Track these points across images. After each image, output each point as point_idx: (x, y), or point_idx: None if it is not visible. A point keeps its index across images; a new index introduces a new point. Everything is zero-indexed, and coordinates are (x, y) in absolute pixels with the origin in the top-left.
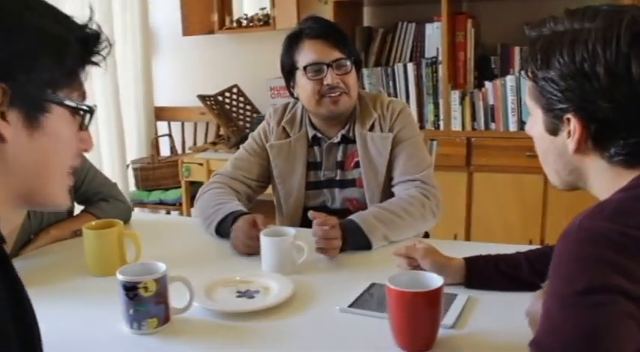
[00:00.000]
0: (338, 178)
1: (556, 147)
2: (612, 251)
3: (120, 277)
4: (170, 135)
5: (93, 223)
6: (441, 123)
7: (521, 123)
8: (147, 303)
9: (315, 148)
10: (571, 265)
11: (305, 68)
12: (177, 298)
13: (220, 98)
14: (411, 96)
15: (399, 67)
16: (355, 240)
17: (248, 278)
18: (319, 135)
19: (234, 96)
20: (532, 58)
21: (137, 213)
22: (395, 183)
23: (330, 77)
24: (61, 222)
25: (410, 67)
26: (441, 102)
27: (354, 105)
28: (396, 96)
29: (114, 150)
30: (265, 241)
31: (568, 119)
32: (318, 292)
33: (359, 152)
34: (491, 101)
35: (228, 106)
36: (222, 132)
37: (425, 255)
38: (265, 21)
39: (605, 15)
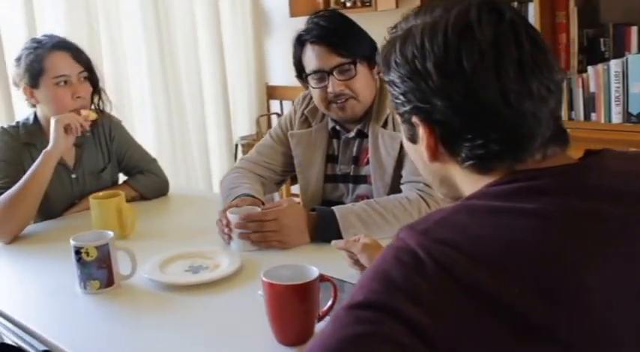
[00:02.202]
0: (352, 173)
1: (420, 156)
2: (409, 269)
3: (71, 241)
4: (279, 114)
5: (100, 194)
6: None
7: (627, 115)
8: (89, 266)
9: (335, 141)
10: (367, 274)
11: (309, 75)
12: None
13: None
14: None
15: None
16: (328, 232)
17: (209, 254)
18: (338, 127)
19: None
20: (381, 63)
21: None
22: (402, 183)
23: (332, 85)
24: (103, 190)
25: None
26: None
27: (365, 107)
28: None
29: (220, 127)
30: (228, 217)
31: (416, 123)
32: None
33: (370, 149)
34: (592, 88)
35: None
36: None
37: (362, 250)
38: (367, 2)
39: (443, 6)
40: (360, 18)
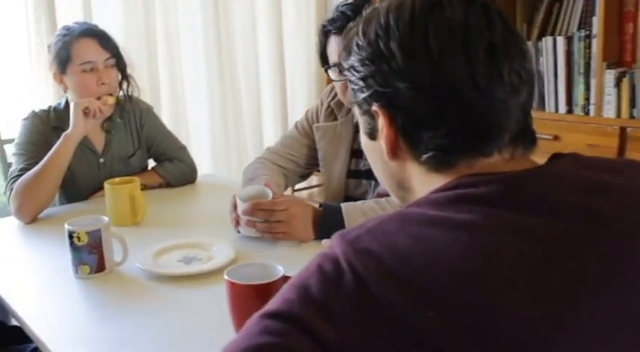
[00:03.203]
0: (367, 168)
1: (379, 156)
2: (327, 280)
3: (65, 226)
4: None
5: (116, 180)
6: (592, 108)
7: None
8: (80, 251)
9: (359, 135)
10: (290, 282)
11: (331, 68)
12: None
13: None
14: (560, 75)
15: (547, 41)
16: (333, 229)
17: (207, 246)
18: None
19: None
20: (342, 49)
21: None
22: None
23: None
24: (130, 175)
25: (560, 41)
26: (592, 83)
27: None
28: (540, 74)
29: (277, 120)
30: (237, 203)
31: (376, 112)
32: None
33: None
34: None
35: None
36: None
37: None
38: None
39: None
40: None
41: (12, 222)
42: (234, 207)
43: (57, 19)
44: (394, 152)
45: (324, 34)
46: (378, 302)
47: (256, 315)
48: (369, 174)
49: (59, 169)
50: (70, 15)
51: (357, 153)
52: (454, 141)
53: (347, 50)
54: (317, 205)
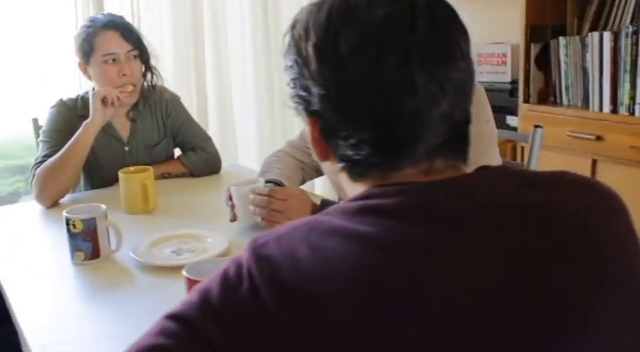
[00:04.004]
0: None
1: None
2: (227, 286)
3: (63, 213)
4: None
5: (131, 168)
6: (637, 107)
7: None
8: (76, 238)
9: None
10: (200, 284)
11: None
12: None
13: None
14: (605, 73)
15: (593, 36)
16: None
17: (203, 237)
18: None
19: None
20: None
21: None
22: None
23: None
24: (154, 164)
25: (606, 36)
26: (639, 81)
27: None
28: (585, 71)
29: None
30: (231, 191)
31: (302, 114)
32: None
33: None
34: None
35: None
36: None
37: None
38: None
39: None
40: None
41: (35, 206)
42: (230, 197)
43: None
44: (324, 154)
45: None
46: (266, 312)
47: (163, 315)
48: None
49: (79, 157)
50: (116, 8)
51: None
52: (362, 155)
53: (285, 49)
54: (318, 201)
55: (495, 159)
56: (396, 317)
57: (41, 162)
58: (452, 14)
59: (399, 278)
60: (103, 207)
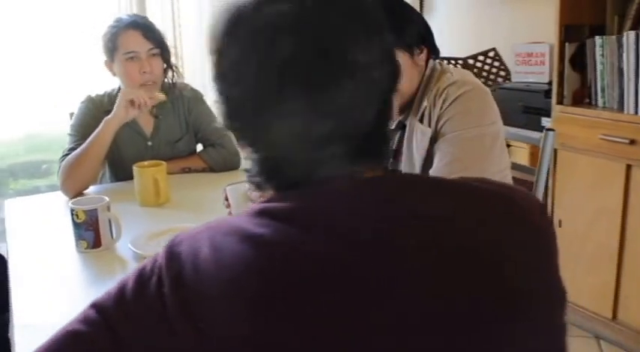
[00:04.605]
0: (390, 168)
1: None
2: (139, 281)
3: (69, 203)
4: None
5: (145, 163)
6: None
7: None
8: (79, 228)
9: None
10: (128, 273)
11: None
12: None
13: (471, 61)
14: None
15: (629, 36)
16: None
17: None
18: None
19: (489, 61)
20: None
21: None
22: None
23: None
24: (175, 158)
25: None
26: None
27: (403, 96)
28: (622, 72)
29: None
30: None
31: None
32: None
33: (404, 143)
34: None
35: (477, 70)
36: None
37: None
38: None
39: None
40: None
41: (59, 196)
42: (226, 198)
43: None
44: None
45: None
46: (165, 307)
47: (89, 303)
48: None
49: (99, 151)
50: (157, 8)
51: None
52: (258, 168)
53: None
54: None
55: (500, 160)
56: (276, 321)
57: (66, 154)
58: (349, 17)
59: (283, 280)
60: (106, 199)
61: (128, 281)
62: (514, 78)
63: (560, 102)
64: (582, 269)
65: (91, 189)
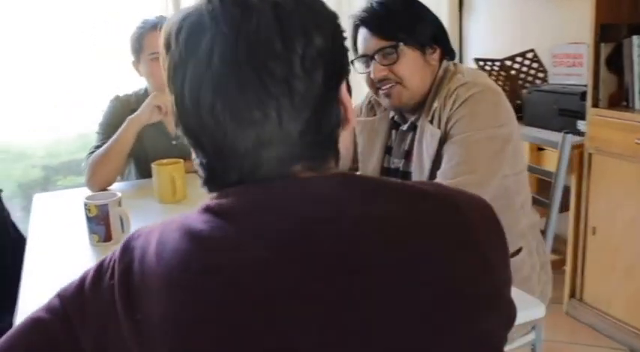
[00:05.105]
0: (401, 169)
1: None
2: (95, 274)
3: (83, 198)
4: None
5: (164, 161)
6: None
7: None
8: (92, 222)
9: (394, 132)
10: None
11: (355, 60)
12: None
13: (509, 63)
14: None
15: None
16: None
17: None
18: (396, 118)
19: (527, 62)
20: None
21: None
22: None
23: (373, 70)
24: None
25: None
26: None
27: (414, 95)
28: None
29: None
30: None
31: None
32: None
33: (415, 144)
34: None
35: (514, 72)
36: None
37: None
38: None
39: None
40: None
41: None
42: None
43: None
44: None
45: (354, 26)
46: (113, 299)
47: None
48: (396, 173)
49: (122, 149)
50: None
51: (389, 150)
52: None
53: None
54: None
55: (515, 163)
56: (200, 319)
57: (92, 152)
58: (262, 29)
59: (213, 276)
60: (118, 194)
61: (89, 272)
62: (551, 80)
63: (595, 104)
64: (616, 279)
65: (116, 185)
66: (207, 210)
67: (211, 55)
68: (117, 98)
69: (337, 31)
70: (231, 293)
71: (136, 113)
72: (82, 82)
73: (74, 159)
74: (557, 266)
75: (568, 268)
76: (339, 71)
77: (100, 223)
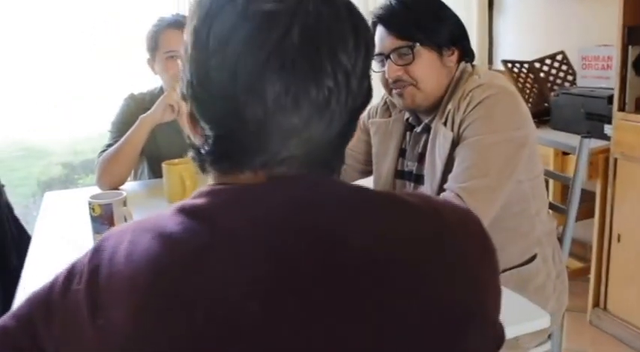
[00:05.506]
0: (415, 172)
1: None
2: (66, 280)
3: (87, 197)
4: None
5: (175, 161)
6: None
7: None
8: (96, 221)
9: (408, 134)
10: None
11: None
12: None
13: (537, 65)
14: None
15: None
16: None
17: None
18: (411, 119)
19: (556, 64)
20: None
21: None
22: (445, 188)
23: (388, 69)
24: None
25: None
26: None
27: (428, 97)
28: None
29: None
30: None
31: None
32: None
33: (428, 146)
34: None
35: (543, 74)
36: None
37: None
38: None
39: None
40: None
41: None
42: None
43: None
44: (194, 136)
45: (372, 23)
46: (79, 300)
47: None
48: (409, 176)
49: (133, 148)
50: None
51: (403, 152)
52: (205, 150)
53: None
54: None
55: (532, 168)
56: (160, 324)
57: (104, 151)
58: (342, 21)
59: (178, 280)
60: (123, 194)
61: (57, 277)
62: (580, 82)
63: (621, 108)
64: None
65: (128, 184)
66: (182, 210)
67: (290, 27)
68: (131, 96)
69: (373, 56)
70: (199, 302)
71: (148, 112)
72: (99, 80)
73: (95, 157)
74: (582, 273)
75: (592, 276)
76: (371, 91)
77: (104, 223)
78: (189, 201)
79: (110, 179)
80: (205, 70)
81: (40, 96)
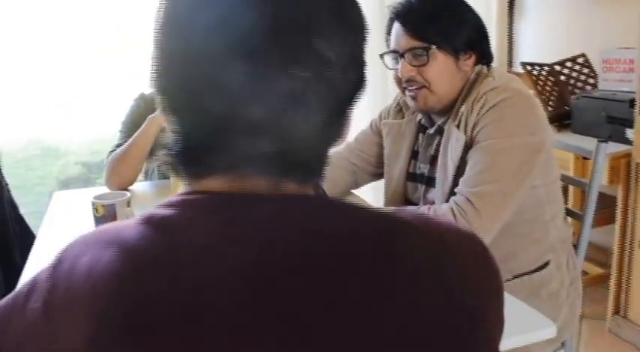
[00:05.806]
0: (427, 174)
1: None
2: (29, 290)
3: (91, 198)
4: None
5: None
6: None
7: None
8: (99, 222)
9: (420, 136)
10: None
11: (385, 54)
12: None
13: (558, 67)
14: None
15: None
16: None
17: None
18: (424, 121)
19: (577, 67)
20: None
21: None
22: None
23: (401, 69)
24: None
25: None
26: None
27: (441, 100)
28: None
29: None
30: None
31: None
32: None
33: (441, 149)
34: None
35: (564, 77)
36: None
37: None
38: None
39: None
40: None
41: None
42: None
43: None
44: None
45: (390, 18)
46: (34, 329)
47: None
48: (422, 178)
49: (142, 148)
50: None
51: (416, 154)
52: (171, 148)
53: None
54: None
55: (548, 173)
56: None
57: (113, 151)
58: (320, 3)
59: (137, 299)
60: (127, 194)
61: (23, 288)
62: (601, 86)
63: None
64: None
65: (138, 185)
66: (149, 221)
67: (260, 10)
68: (142, 96)
69: (364, 43)
70: (160, 325)
71: (157, 112)
72: (99, 80)
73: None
74: (602, 280)
75: (612, 283)
76: (362, 83)
77: (107, 223)
78: (158, 211)
79: (119, 179)
80: (169, 57)
81: (50, 97)
